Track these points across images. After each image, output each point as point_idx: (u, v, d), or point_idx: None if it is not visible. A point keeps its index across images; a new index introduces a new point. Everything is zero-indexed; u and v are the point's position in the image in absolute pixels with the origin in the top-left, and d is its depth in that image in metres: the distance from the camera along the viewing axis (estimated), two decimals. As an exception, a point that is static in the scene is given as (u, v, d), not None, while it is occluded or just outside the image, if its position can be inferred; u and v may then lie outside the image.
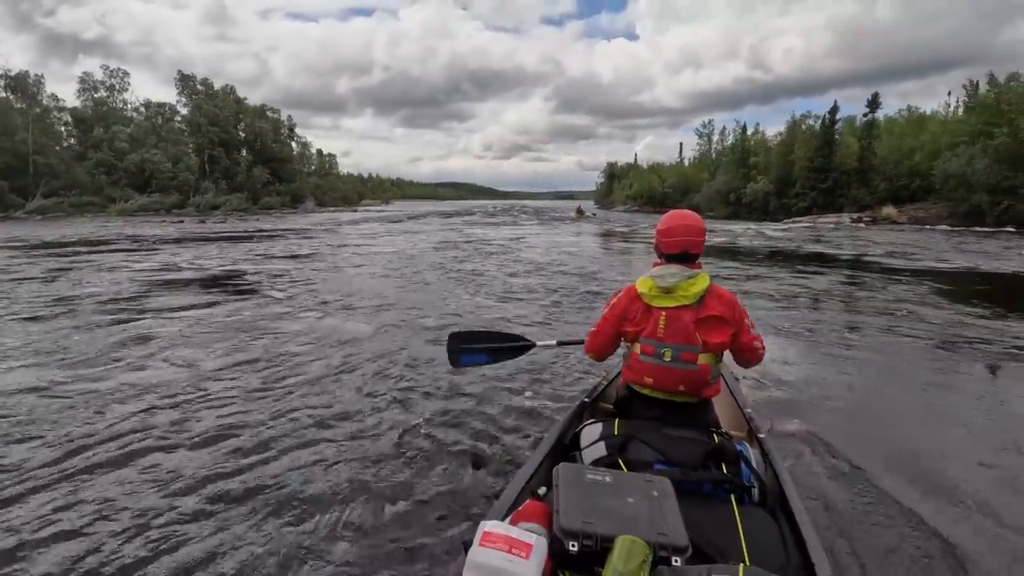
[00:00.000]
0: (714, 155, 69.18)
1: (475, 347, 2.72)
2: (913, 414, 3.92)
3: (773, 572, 1.17)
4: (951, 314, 7.35)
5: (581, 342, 2.31)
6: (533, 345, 2.76)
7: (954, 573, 2.19)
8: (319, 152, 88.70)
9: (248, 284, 9.41)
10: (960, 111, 43.21)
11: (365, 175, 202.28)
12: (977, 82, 40.53)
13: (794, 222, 39.41)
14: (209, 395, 3.97)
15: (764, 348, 2.08)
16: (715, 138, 70.35)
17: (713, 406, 2.11)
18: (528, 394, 4.02)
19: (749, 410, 2.48)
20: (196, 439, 3.24)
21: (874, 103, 41.97)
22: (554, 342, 2.87)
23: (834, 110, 43.88)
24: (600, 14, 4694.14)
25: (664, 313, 1.95)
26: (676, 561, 1.20)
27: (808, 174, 44.47)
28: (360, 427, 3.45)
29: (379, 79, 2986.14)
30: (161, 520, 2.44)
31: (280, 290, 8.75)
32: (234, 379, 4.35)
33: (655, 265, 2.07)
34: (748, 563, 1.34)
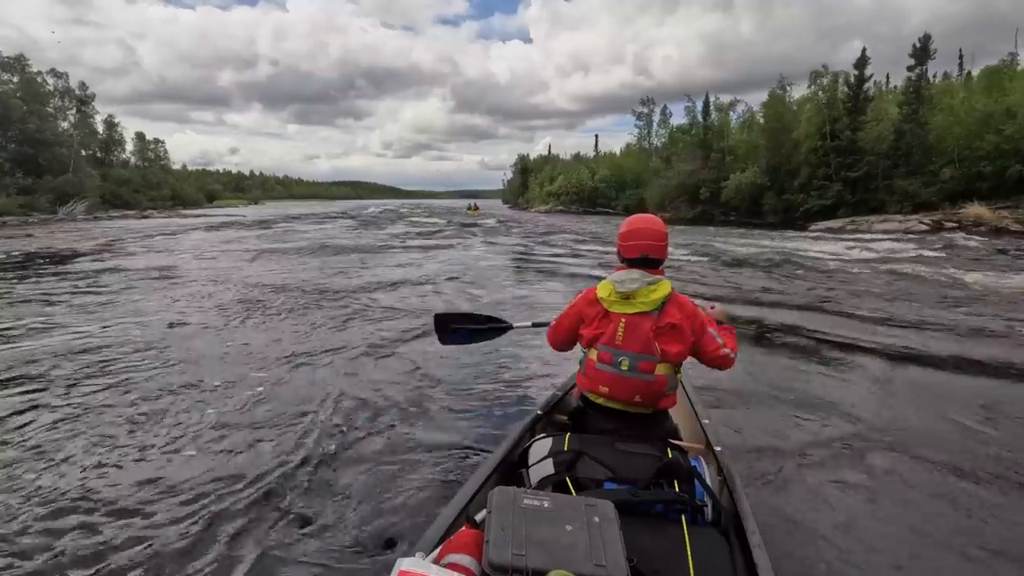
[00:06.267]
0: (656, 142, 55.37)
1: (459, 327, 2.84)
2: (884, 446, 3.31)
3: None
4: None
5: (549, 324, 2.28)
6: (511, 327, 2.88)
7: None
8: (139, 136, 65.46)
9: None
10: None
11: (249, 173, 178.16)
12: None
13: (833, 232, 25.27)
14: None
15: (736, 351, 1.99)
16: (656, 119, 56.26)
17: (671, 417, 2.05)
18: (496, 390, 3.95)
19: (707, 421, 2.36)
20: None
21: (925, 49, 28.31)
22: (529, 323, 2.89)
23: (862, 62, 30.03)
24: (493, 16, 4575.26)
25: (623, 319, 1.87)
26: None
27: (826, 158, 30.72)
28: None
29: (266, 73, 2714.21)
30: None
31: None
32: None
33: (616, 270, 2.00)
34: None
